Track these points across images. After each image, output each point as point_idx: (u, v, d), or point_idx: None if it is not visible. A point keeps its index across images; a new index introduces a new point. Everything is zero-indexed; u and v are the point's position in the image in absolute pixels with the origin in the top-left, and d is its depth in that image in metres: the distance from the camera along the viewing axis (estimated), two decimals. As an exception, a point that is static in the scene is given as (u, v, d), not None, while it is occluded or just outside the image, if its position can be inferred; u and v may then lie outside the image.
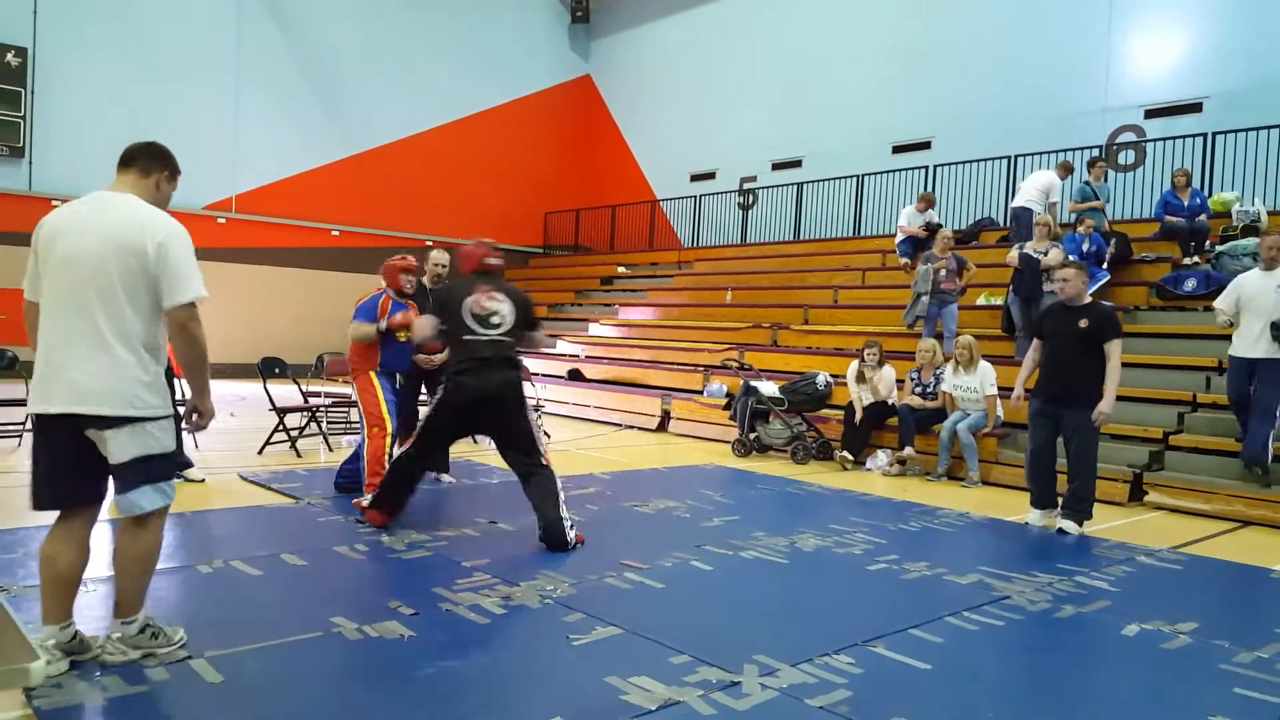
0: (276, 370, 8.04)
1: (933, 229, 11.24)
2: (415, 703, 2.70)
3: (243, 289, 15.62)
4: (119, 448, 2.76)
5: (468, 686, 2.84)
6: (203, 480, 6.04)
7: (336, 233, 16.95)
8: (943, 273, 9.26)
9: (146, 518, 2.88)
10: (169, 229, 2.82)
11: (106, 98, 14.27)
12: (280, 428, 7.47)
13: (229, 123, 15.61)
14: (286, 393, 8.02)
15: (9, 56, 13.47)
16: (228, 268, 15.58)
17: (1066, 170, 10.87)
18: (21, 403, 7.04)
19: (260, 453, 7.32)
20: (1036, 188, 10.69)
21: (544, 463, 4.80)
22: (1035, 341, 5.98)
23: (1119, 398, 7.80)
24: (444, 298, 4.93)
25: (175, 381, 4.77)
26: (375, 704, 2.68)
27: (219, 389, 13.53)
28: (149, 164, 2.99)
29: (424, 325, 4.90)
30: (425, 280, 6.30)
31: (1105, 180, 10.44)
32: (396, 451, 5.09)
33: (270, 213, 16.15)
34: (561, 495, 4.72)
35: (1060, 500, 5.78)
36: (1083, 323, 5.60)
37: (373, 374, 5.54)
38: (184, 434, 5.77)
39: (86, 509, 2.89)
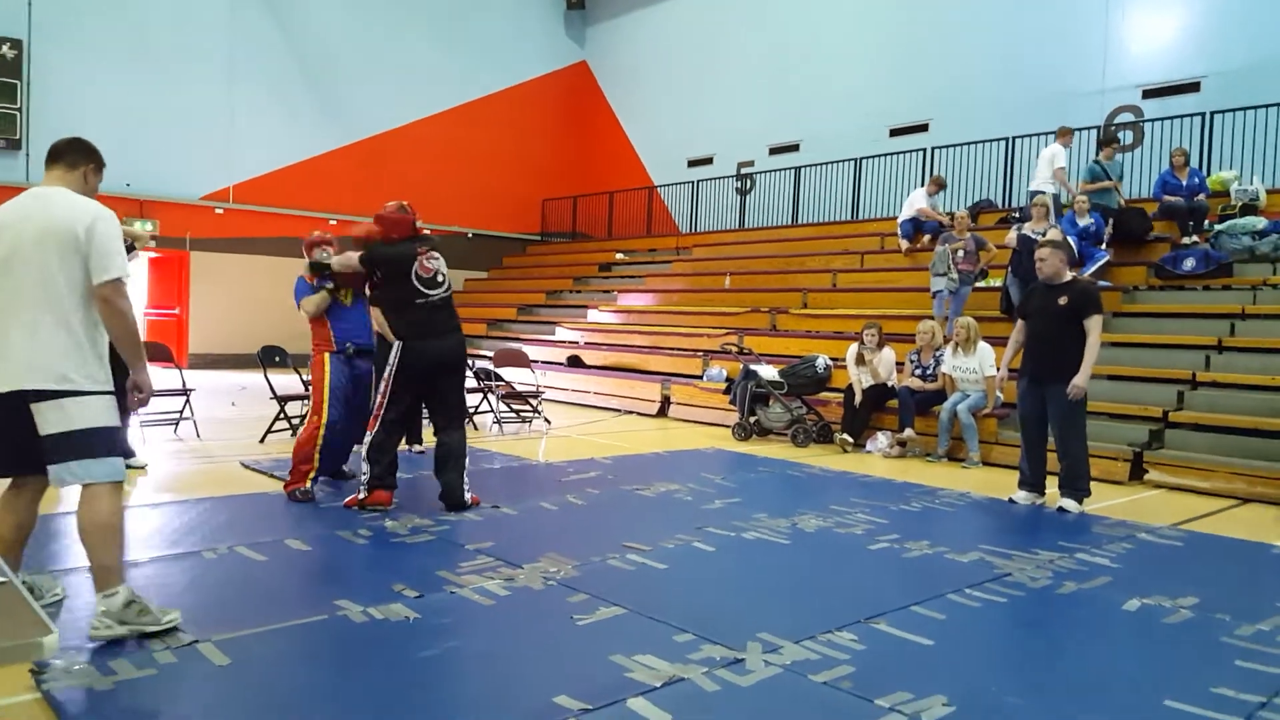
0: (277, 359, 8.05)
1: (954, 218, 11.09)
2: (421, 683, 2.72)
3: (242, 278, 15.60)
4: (45, 420, 2.91)
5: (473, 666, 2.87)
6: (143, 468, 5.99)
7: (334, 221, 16.90)
8: (960, 253, 9.23)
9: (99, 490, 2.98)
10: (95, 213, 3.01)
11: (102, 89, 14.21)
12: (281, 416, 7.48)
13: (224, 113, 15.54)
14: (287, 381, 8.02)
15: (4, 49, 13.39)
16: (226, 258, 15.57)
17: (1067, 136, 10.75)
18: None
19: (262, 441, 7.34)
20: (1044, 164, 10.66)
21: (461, 429, 5.04)
22: (1019, 322, 6.03)
23: (1118, 377, 7.94)
24: (389, 262, 4.90)
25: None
26: (381, 684, 2.70)
27: (220, 379, 13.59)
28: (75, 158, 3.20)
29: (347, 257, 5.10)
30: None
31: (1117, 159, 10.38)
32: (367, 439, 4.94)
33: (268, 202, 16.10)
34: (466, 461, 5.05)
35: (1056, 481, 5.81)
36: (1062, 300, 5.64)
37: (326, 356, 5.40)
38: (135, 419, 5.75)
39: (31, 479, 3.08)
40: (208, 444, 7.24)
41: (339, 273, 5.37)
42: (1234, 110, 10.90)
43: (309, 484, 5.21)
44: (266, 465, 6.24)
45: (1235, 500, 6.33)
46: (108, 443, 3.01)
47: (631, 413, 10.79)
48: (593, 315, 14.57)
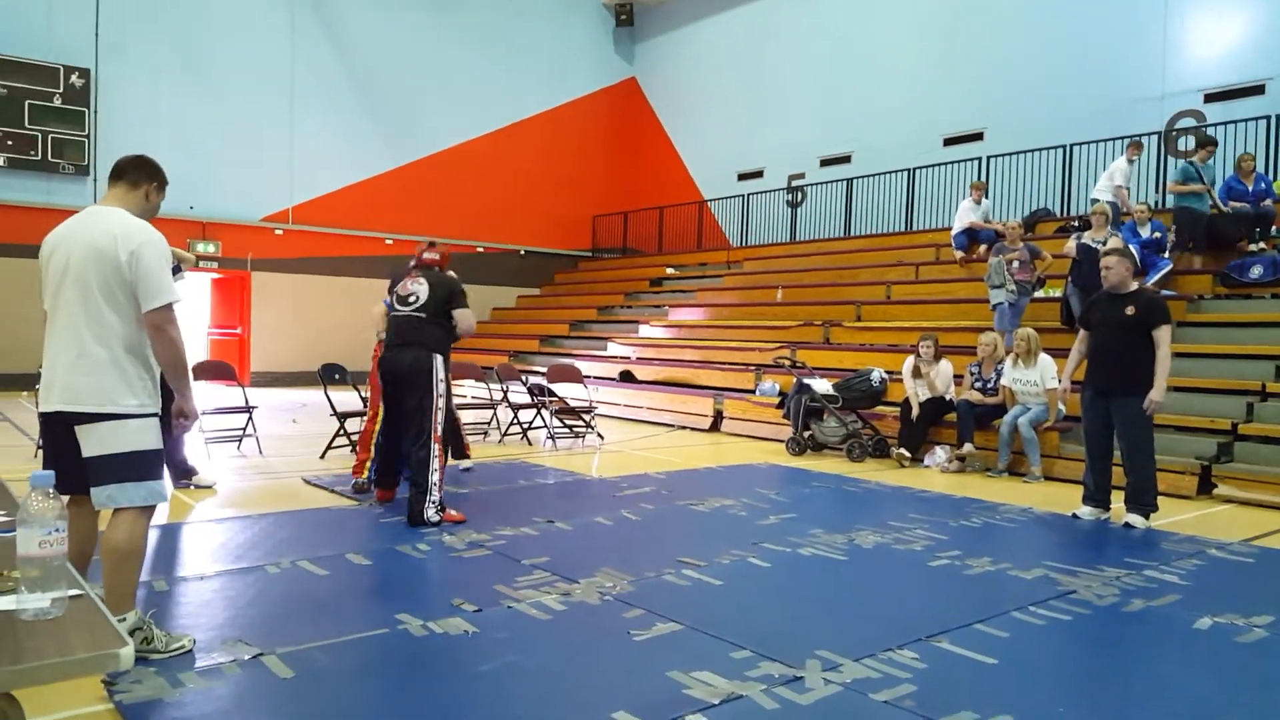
0: (336, 376, 8.24)
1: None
2: (480, 697, 2.75)
3: (302, 298, 16.06)
4: (86, 443, 2.91)
5: (531, 681, 2.89)
6: (211, 486, 6.05)
7: (390, 241, 17.30)
8: (1015, 264, 9.05)
9: (126, 514, 2.95)
10: (142, 239, 2.96)
11: (166, 115, 14.81)
12: (341, 432, 7.65)
13: (285, 137, 16.07)
14: (347, 398, 8.21)
15: (73, 78, 14.05)
16: (286, 278, 16.04)
17: (1137, 150, 10.54)
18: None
19: (322, 457, 7.51)
20: (1107, 174, 10.45)
21: (430, 443, 5.03)
22: (1082, 332, 5.85)
23: (1184, 388, 7.68)
24: (392, 283, 5.51)
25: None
26: (441, 698, 2.74)
27: (282, 397, 13.96)
28: (138, 176, 3.18)
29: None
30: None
31: (1210, 163, 9.78)
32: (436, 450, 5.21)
33: (326, 223, 16.57)
34: (433, 478, 5.01)
35: (1122, 496, 5.64)
36: (1129, 310, 5.47)
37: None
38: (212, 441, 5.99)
39: (87, 498, 3.00)
40: (270, 460, 7.43)
41: None
42: (1304, 112, 10.53)
43: (366, 473, 5.92)
44: (327, 481, 6.39)
45: (1315, 516, 6.07)
46: (147, 466, 2.97)
47: (684, 428, 10.78)
48: (644, 330, 14.62)
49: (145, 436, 2.97)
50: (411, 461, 5.08)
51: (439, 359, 5.08)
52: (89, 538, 3.11)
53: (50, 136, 13.86)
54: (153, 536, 4.75)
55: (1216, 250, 9.59)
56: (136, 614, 2.99)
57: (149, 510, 3.03)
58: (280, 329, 15.87)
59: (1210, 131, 11.79)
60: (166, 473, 3.25)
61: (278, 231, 16.09)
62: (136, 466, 2.94)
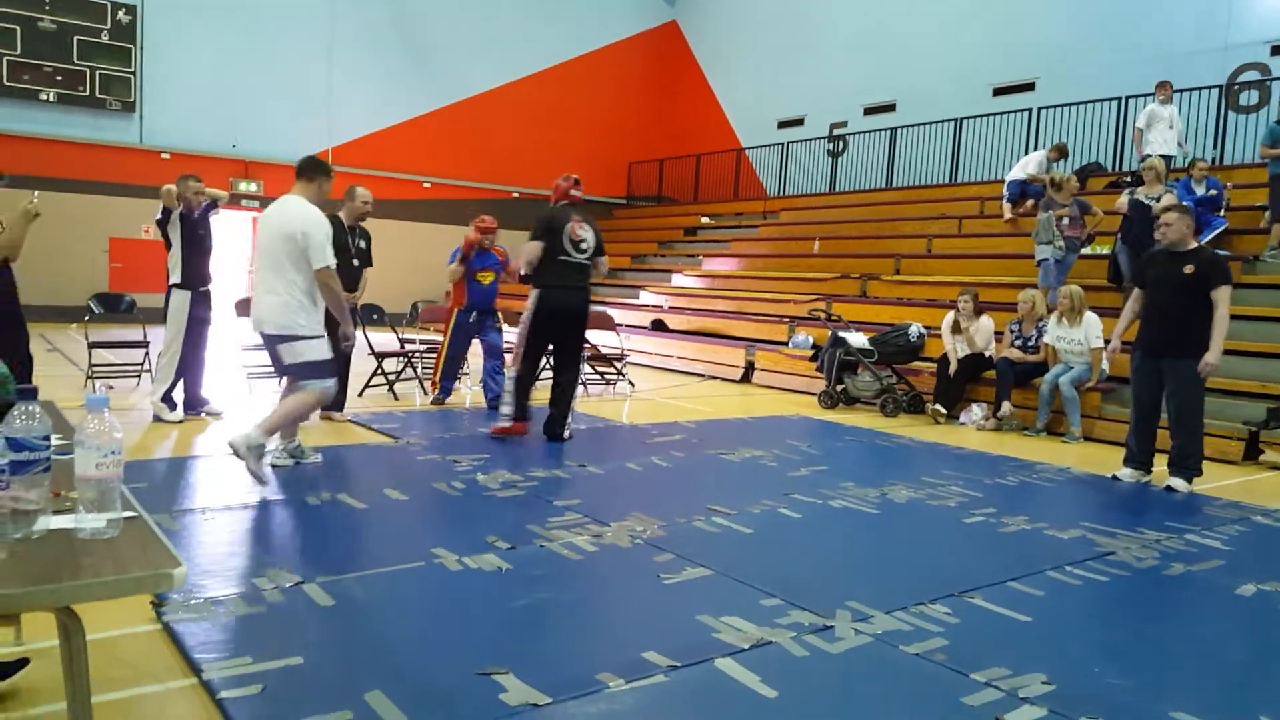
0: (375, 317, 8.31)
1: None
2: (513, 630, 2.79)
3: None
4: (284, 355, 4.54)
5: (564, 618, 2.93)
6: (219, 414, 6.31)
7: (428, 185, 17.28)
8: (1065, 220, 8.78)
9: (307, 391, 4.56)
10: (309, 223, 4.46)
11: (210, 54, 14.82)
12: (379, 371, 7.74)
13: (324, 76, 16.01)
14: (384, 339, 8.29)
15: (120, 15, 14.06)
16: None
17: (1163, 90, 10.08)
18: (140, 344, 7.52)
19: (360, 395, 7.61)
20: (1150, 126, 10.05)
21: (579, 372, 6.06)
22: (1135, 291, 5.67)
23: (1234, 351, 7.46)
24: (553, 222, 5.78)
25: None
26: (475, 630, 2.79)
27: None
28: (312, 173, 4.67)
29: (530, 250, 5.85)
30: (344, 216, 6.66)
31: None
32: (509, 373, 5.96)
33: (365, 165, 16.54)
34: (574, 402, 6.03)
35: (1165, 460, 5.53)
36: (1187, 269, 5.28)
37: (456, 311, 7.31)
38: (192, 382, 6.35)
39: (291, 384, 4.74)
40: (309, 397, 7.55)
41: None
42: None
43: (439, 393, 7.38)
44: (365, 419, 6.48)
45: (1364, 486, 5.92)
46: (320, 369, 4.54)
47: (715, 378, 10.76)
48: (677, 280, 14.53)
49: (319, 349, 4.54)
50: (565, 390, 5.92)
51: None
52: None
53: (97, 72, 13.94)
54: (198, 467, 4.88)
55: None
56: (266, 440, 4.39)
57: (323, 393, 4.60)
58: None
59: (1275, 86, 11.30)
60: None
61: (316, 172, 16.12)
62: (316, 369, 4.54)
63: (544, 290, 5.74)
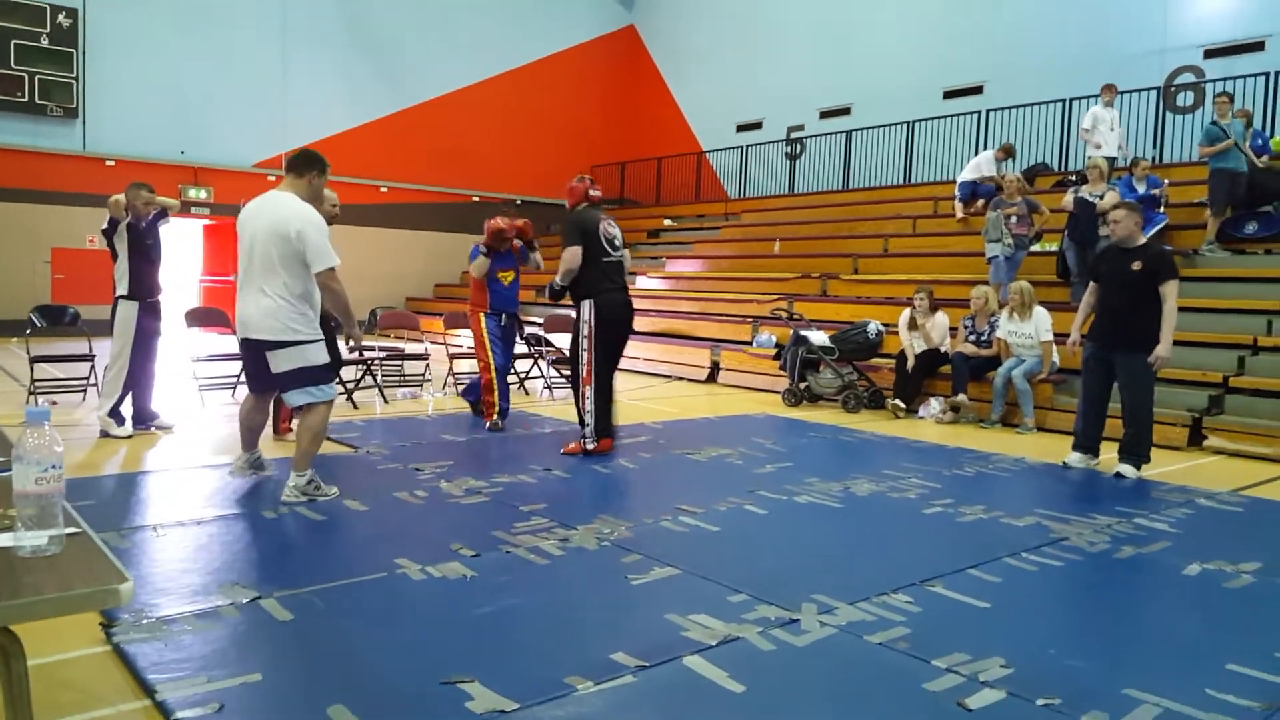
0: (332, 324, 8.15)
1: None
2: (480, 638, 2.77)
3: (293, 248, 15.87)
4: (275, 362, 4.16)
5: (531, 623, 2.91)
6: (170, 428, 6.15)
7: (384, 189, 17.09)
8: (1014, 218, 8.99)
9: (311, 406, 4.21)
10: (304, 221, 4.13)
11: (156, 57, 14.49)
12: (337, 380, 7.62)
13: (277, 80, 15.75)
14: (341, 347, 8.15)
15: (60, 18, 13.69)
16: (278, 227, 15.85)
17: (1107, 93, 10.36)
18: (85, 358, 7.32)
19: (318, 405, 7.48)
20: (1092, 127, 10.32)
21: None
22: (1090, 285, 5.82)
23: (1178, 342, 7.61)
24: (586, 224, 5.60)
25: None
26: (441, 640, 2.76)
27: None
28: (302, 168, 4.37)
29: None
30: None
31: (1236, 121, 9.13)
32: (586, 393, 5.63)
33: (318, 171, 16.31)
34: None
35: (1114, 447, 5.68)
36: (1136, 265, 5.44)
37: (482, 316, 6.65)
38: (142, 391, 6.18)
39: (263, 394, 4.52)
40: (266, 408, 7.42)
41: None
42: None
43: (497, 417, 6.53)
44: (323, 428, 6.37)
45: (1303, 468, 6.13)
46: (320, 374, 4.21)
47: (681, 378, 10.79)
48: (641, 282, 14.54)
49: (317, 354, 4.22)
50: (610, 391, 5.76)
51: None
52: (264, 414, 4.65)
53: (37, 78, 13.55)
54: (148, 483, 4.76)
55: (1260, 208, 9.01)
56: (312, 472, 4.27)
57: (329, 404, 4.28)
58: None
59: (1208, 88, 11.66)
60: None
61: (270, 177, 15.82)
62: (308, 376, 4.19)
63: (597, 297, 5.53)
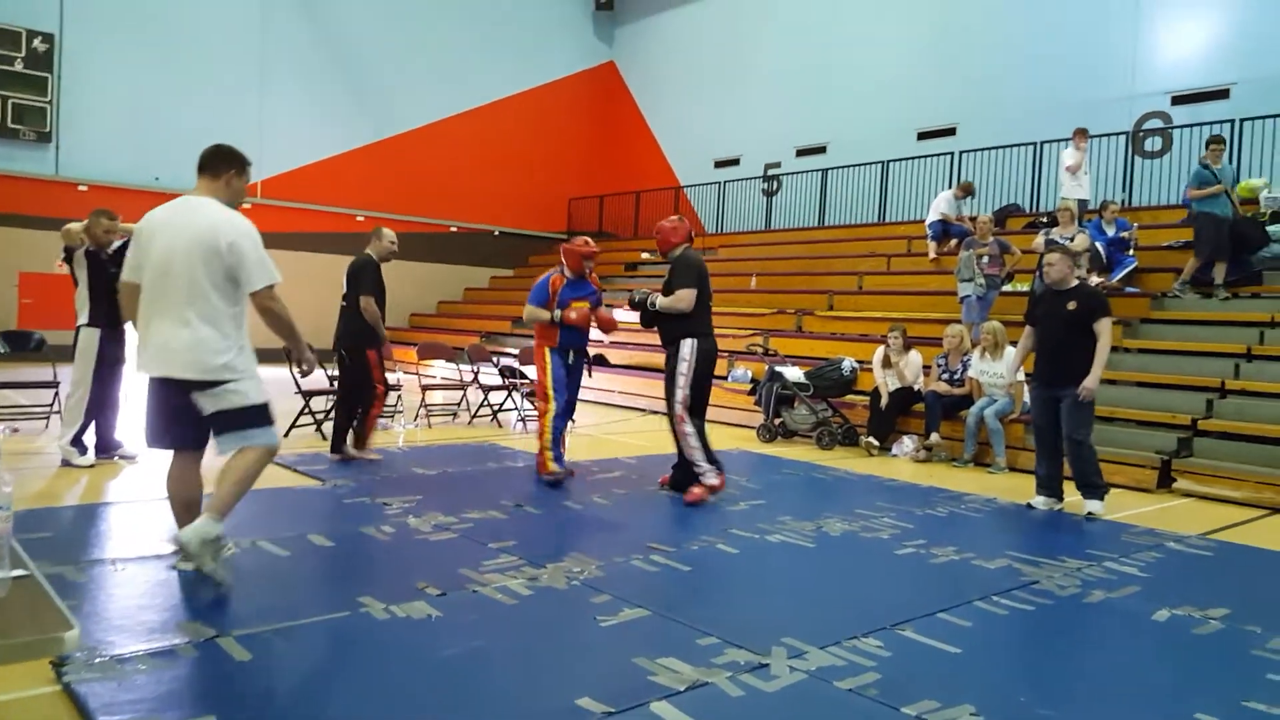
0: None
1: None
2: (443, 682, 2.71)
3: (270, 275, 15.73)
4: (204, 404, 3.41)
5: (496, 666, 2.86)
6: (134, 458, 6.03)
7: (361, 218, 17.04)
8: (985, 259, 9.14)
9: (249, 450, 3.47)
10: (237, 231, 3.42)
11: (132, 83, 14.41)
12: (305, 411, 7.53)
13: (254, 107, 15.70)
14: (312, 377, 8.04)
15: (36, 42, 13.61)
16: (254, 254, 15.70)
17: (1078, 137, 10.54)
18: (49, 384, 7.18)
19: (285, 435, 7.37)
20: (1066, 170, 10.53)
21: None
22: (1028, 328, 6.01)
23: (1147, 384, 7.82)
24: (701, 267, 5.63)
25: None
26: (403, 683, 2.70)
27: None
28: (218, 166, 3.59)
29: (606, 319, 6.06)
30: (373, 253, 6.56)
31: (1227, 165, 9.18)
32: (686, 430, 5.54)
33: (296, 198, 16.25)
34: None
35: (1073, 486, 5.76)
36: (1070, 305, 5.65)
37: (548, 351, 5.97)
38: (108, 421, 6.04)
39: (193, 450, 3.54)
40: (234, 438, 7.30)
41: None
42: (1264, 118, 10.71)
43: (554, 465, 5.85)
44: (290, 460, 6.28)
45: (1265, 510, 6.20)
46: (261, 415, 3.49)
47: (657, 412, 10.75)
48: (618, 314, 14.41)
49: (255, 392, 3.46)
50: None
51: None
52: (195, 485, 3.57)
53: (11, 101, 13.42)
54: (109, 515, 4.65)
55: (1241, 256, 9.07)
56: (221, 527, 3.42)
57: (270, 450, 3.53)
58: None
59: (1176, 134, 11.98)
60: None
61: (245, 205, 15.67)
62: (244, 418, 3.44)
63: (700, 338, 5.54)
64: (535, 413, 9.10)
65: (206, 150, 3.59)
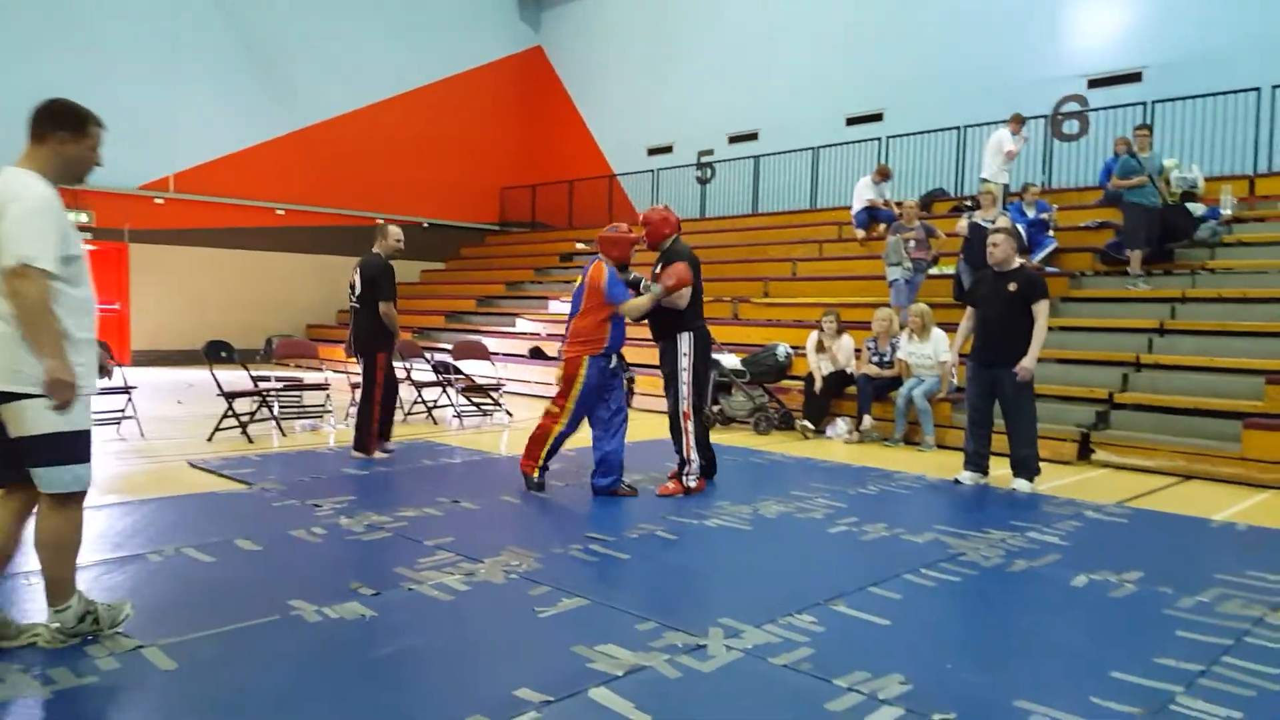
0: (223, 354, 7.86)
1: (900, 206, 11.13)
2: (378, 683, 2.67)
3: (184, 271, 15.21)
4: (14, 422, 2.68)
5: (432, 664, 2.82)
6: None
7: (281, 211, 16.56)
8: (912, 243, 9.35)
9: (59, 504, 2.76)
10: (13, 193, 2.65)
11: (31, 76, 13.66)
12: (229, 413, 7.31)
13: (164, 98, 15.06)
14: (234, 377, 7.83)
15: (-72, 34, 12.83)
16: (168, 250, 15.14)
17: (1016, 123, 10.67)
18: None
19: (210, 439, 7.16)
20: (990, 152, 10.76)
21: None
22: (968, 309, 6.13)
23: (1065, 360, 8.10)
24: (693, 258, 5.58)
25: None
26: (337, 686, 2.65)
27: (165, 376, 13.19)
28: (45, 126, 2.80)
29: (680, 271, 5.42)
30: (380, 252, 6.53)
31: (1152, 151, 9.22)
32: (689, 428, 5.45)
33: (211, 192, 15.69)
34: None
35: (1006, 463, 5.93)
36: (1011, 286, 5.79)
37: (586, 358, 5.33)
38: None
39: (16, 488, 2.80)
40: (153, 443, 7.05)
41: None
42: (1174, 100, 11.19)
43: (537, 474, 5.45)
44: (215, 464, 6.09)
45: (1177, 477, 6.52)
46: (78, 448, 2.75)
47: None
48: (555, 306, 14.46)
49: (73, 415, 2.70)
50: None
51: None
52: (17, 540, 2.89)
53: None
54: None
55: (1171, 244, 9.32)
56: (80, 599, 2.86)
57: (76, 496, 2.80)
58: (162, 304, 14.98)
59: (1093, 116, 12.44)
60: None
61: (158, 200, 15.15)
62: (58, 448, 2.69)
63: (696, 330, 5.51)
64: (472, 409, 9.05)
65: (38, 108, 2.83)
